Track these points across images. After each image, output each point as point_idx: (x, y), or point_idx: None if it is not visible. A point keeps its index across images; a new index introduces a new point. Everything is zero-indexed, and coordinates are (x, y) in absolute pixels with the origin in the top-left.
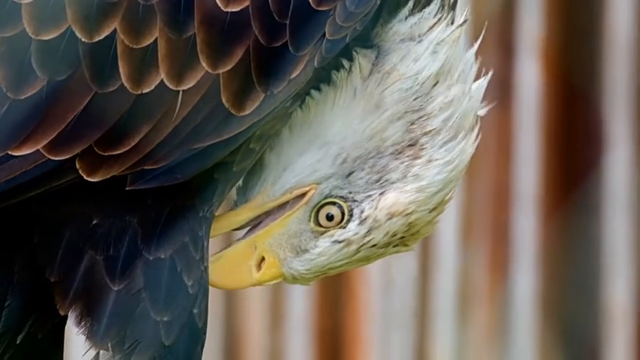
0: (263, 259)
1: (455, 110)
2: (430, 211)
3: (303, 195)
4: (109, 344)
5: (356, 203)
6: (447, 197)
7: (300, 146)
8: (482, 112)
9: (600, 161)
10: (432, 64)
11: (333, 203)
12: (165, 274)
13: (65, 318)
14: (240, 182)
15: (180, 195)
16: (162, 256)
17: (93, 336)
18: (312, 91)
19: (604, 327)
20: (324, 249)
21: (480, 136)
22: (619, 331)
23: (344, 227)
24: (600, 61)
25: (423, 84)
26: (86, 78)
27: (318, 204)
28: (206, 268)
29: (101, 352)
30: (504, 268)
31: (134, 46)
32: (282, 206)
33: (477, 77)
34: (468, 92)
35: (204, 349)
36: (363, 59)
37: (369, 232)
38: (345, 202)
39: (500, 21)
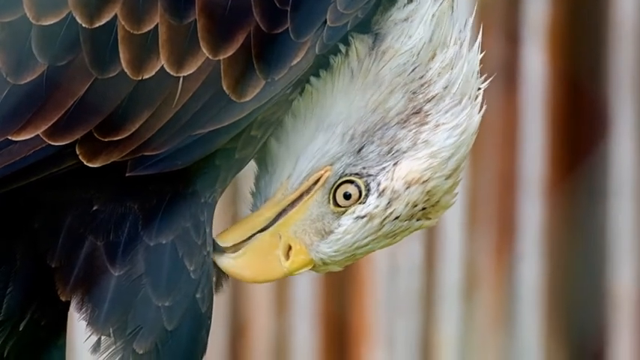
0: (290, 247)
1: (455, 74)
2: (447, 178)
3: (319, 179)
4: (111, 330)
5: (371, 177)
6: (462, 164)
7: (308, 134)
8: (483, 85)
9: (605, 147)
10: (424, 33)
11: (349, 182)
12: (166, 260)
13: (68, 305)
14: (252, 184)
15: (181, 181)
16: (164, 242)
17: (94, 322)
18: (312, 78)
19: (609, 312)
20: (349, 227)
21: (485, 105)
22: (624, 316)
23: (364, 202)
24: (605, 46)
25: (418, 55)
26: (86, 63)
27: (334, 184)
28: (209, 253)
29: (103, 337)
30: (509, 253)
31: (135, 32)
32: (301, 195)
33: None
34: (465, 57)
35: (209, 334)
36: (359, 43)
37: (389, 203)
38: (360, 178)
39: (506, 7)
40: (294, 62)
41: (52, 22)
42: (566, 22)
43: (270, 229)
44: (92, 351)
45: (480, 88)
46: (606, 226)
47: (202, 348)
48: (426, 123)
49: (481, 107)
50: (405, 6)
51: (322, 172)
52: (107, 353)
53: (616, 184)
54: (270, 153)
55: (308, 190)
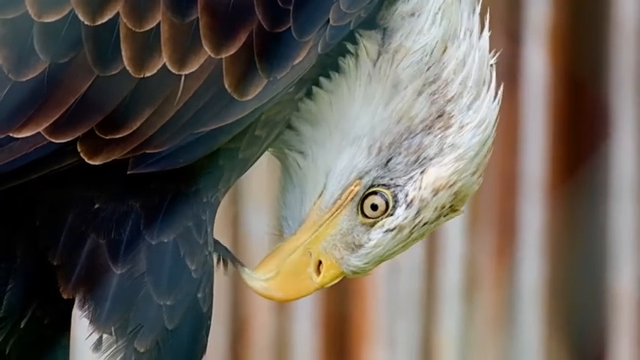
0: (320, 262)
1: (469, 69)
2: (473, 174)
3: (350, 194)
4: (112, 328)
5: (399, 188)
6: (487, 156)
7: (334, 147)
8: (492, 61)
9: (606, 148)
10: (436, 31)
11: (375, 193)
12: (168, 258)
13: (72, 303)
14: (279, 198)
15: (184, 180)
16: (165, 240)
17: (96, 320)
18: (323, 80)
19: (609, 313)
20: (379, 240)
21: (500, 89)
22: (625, 317)
23: (392, 214)
24: (607, 47)
25: (432, 53)
26: (88, 61)
27: (362, 196)
28: (210, 253)
29: (104, 335)
30: (510, 254)
31: (137, 30)
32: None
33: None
34: (476, 46)
35: (209, 333)
36: (368, 42)
37: (418, 213)
38: (387, 189)
39: (507, 7)
40: (297, 61)
41: (54, 20)
42: (567, 23)
43: (302, 248)
44: (94, 349)
45: (492, 73)
46: (607, 227)
47: (202, 348)
48: (451, 125)
49: (496, 94)
50: None
51: (353, 187)
52: (109, 352)
53: (617, 186)
54: (296, 167)
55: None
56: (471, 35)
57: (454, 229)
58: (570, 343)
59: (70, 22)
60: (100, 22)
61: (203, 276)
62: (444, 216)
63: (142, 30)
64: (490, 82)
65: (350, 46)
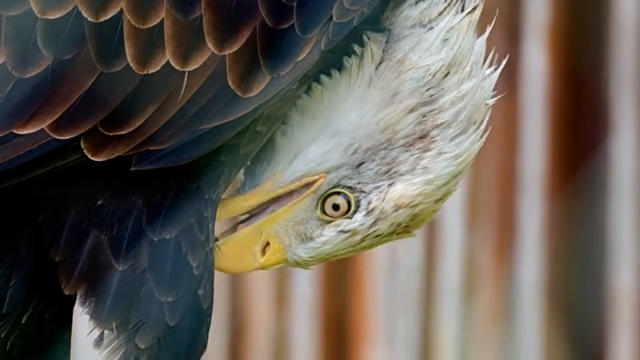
0: (268, 244)
1: (466, 104)
2: (436, 202)
3: (311, 183)
4: (114, 324)
5: (364, 194)
6: (453, 189)
7: (312, 133)
8: (491, 102)
9: (606, 145)
10: (445, 55)
11: (339, 193)
12: (170, 255)
13: (73, 299)
14: (248, 163)
15: (185, 177)
16: (167, 237)
17: (97, 316)
18: (322, 77)
19: (609, 310)
20: (330, 238)
21: (489, 129)
22: (624, 314)
23: (350, 218)
24: (606, 46)
25: (434, 75)
26: (92, 58)
27: (325, 192)
28: (212, 249)
29: (105, 332)
30: (509, 251)
31: (140, 27)
32: (289, 193)
33: (485, 63)
34: (479, 84)
35: (209, 330)
36: (374, 44)
37: (374, 223)
38: (352, 192)
39: (507, 6)
40: (300, 58)
41: (57, 16)
42: (567, 20)
43: (254, 224)
44: (95, 345)
45: (487, 112)
46: (607, 224)
47: (203, 345)
48: (430, 149)
49: (484, 133)
50: (417, 3)
51: (317, 177)
52: (110, 347)
53: (617, 183)
54: (272, 142)
55: (299, 193)
56: (477, 73)
57: (453, 226)
58: (570, 340)
59: (74, 19)
60: (103, 19)
61: (204, 273)
62: (397, 234)
63: (145, 27)
64: (482, 122)
65: (356, 47)
